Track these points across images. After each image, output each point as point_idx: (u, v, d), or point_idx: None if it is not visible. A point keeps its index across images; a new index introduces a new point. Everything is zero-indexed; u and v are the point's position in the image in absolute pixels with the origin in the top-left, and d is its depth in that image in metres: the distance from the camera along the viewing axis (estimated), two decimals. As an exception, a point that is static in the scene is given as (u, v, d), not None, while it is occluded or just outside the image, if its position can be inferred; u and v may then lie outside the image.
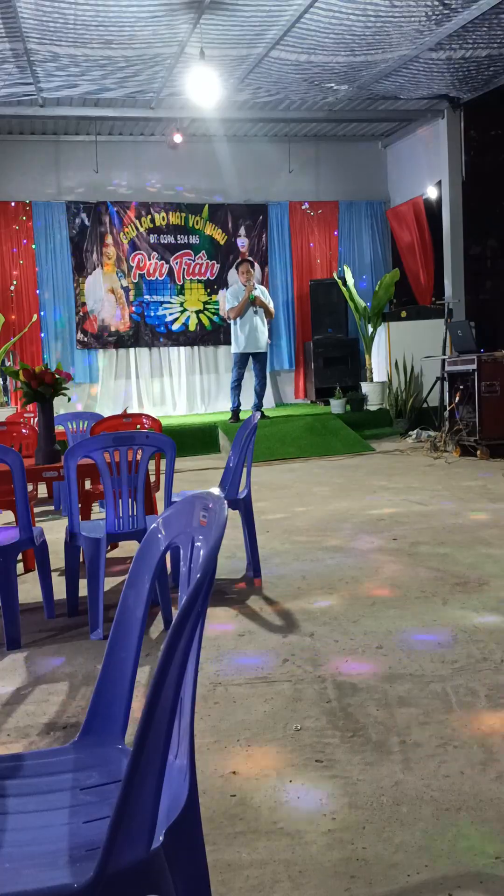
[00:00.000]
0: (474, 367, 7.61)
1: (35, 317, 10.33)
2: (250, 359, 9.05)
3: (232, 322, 9.00)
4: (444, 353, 9.10)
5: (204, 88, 7.65)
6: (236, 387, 9.13)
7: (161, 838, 1.04)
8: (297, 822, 1.85)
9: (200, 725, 2.33)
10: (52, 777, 1.31)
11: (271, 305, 9.09)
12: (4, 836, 1.14)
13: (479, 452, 7.58)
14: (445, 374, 8.32)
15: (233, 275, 10.65)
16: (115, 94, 8.85)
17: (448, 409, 8.14)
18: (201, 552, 1.21)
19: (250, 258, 9.99)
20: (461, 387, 7.90)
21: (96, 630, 3.19)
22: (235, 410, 9.15)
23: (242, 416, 9.15)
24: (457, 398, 7.95)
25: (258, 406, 9.10)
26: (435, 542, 4.45)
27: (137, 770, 0.98)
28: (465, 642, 2.90)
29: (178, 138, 9.94)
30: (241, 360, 9.04)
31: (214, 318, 11.03)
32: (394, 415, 9.70)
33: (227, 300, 9.15)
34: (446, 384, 8.33)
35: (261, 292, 9.00)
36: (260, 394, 9.12)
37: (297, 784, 2.00)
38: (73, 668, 2.88)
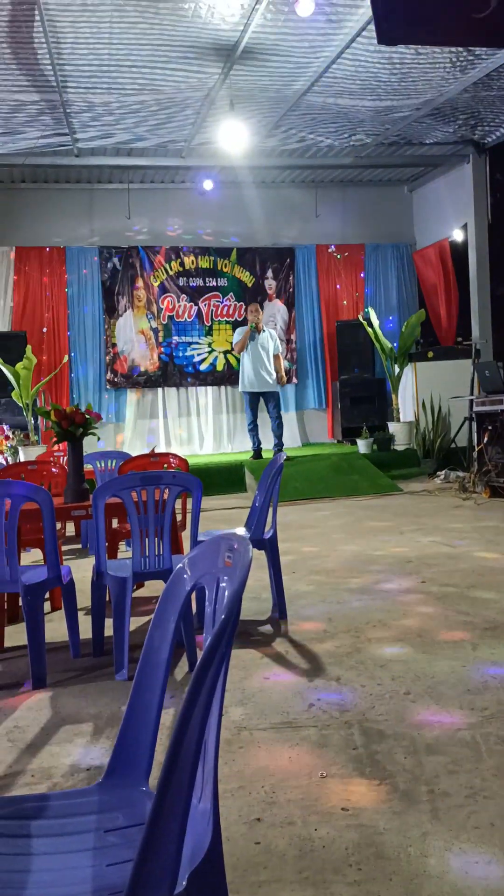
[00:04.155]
0: (503, 407, 7.58)
1: (66, 358, 10.53)
2: (261, 399, 9.14)
3: (241, 359, 9.17)
4: (471, 394, 9.08)
5: (233, 137, 7.85)
6: (252, 429, 9.23)
7: (184, 883, 1.03)
8: (322, 871, 1.81)
9: (224, 770, 2.31)
10: (77, 818, 1.31)
11: (280, 350, 9.23)
12: (29, 877, 1.14)
13: (508, 494, 7.50)
14: (473, 415, 8.29)
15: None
16: (147, 143, 9.11)
17: (477, 449, 8.09)
18: (226, 593, 1.22)
19: (258, 301, 10.16)
20: (490, 427, 7.86)
21: (121, 671, 3.19)
22: (257, 450, 9.23)
23: (265, 455, 9.20)
24: (485, 438, 7.90)
25: (279, 447, 9.14)
26: (464, 584, 4.39)
27: (161, 813, 0.98)
28: (496, 689, 2.85)
29: (207, 185, 10.18)
30: (252, 400, 9.16)
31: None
32: (421, 455, 9.65)
33: (236, 335, 9.34)
34: (474, 424, 8.29)
35: (269, 335, 9.13)
36: (278, 434, 9.15)
37: (322, 832, 1.97)
38: (98, 708, 2.87)
